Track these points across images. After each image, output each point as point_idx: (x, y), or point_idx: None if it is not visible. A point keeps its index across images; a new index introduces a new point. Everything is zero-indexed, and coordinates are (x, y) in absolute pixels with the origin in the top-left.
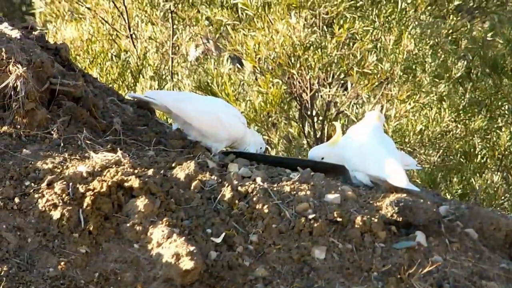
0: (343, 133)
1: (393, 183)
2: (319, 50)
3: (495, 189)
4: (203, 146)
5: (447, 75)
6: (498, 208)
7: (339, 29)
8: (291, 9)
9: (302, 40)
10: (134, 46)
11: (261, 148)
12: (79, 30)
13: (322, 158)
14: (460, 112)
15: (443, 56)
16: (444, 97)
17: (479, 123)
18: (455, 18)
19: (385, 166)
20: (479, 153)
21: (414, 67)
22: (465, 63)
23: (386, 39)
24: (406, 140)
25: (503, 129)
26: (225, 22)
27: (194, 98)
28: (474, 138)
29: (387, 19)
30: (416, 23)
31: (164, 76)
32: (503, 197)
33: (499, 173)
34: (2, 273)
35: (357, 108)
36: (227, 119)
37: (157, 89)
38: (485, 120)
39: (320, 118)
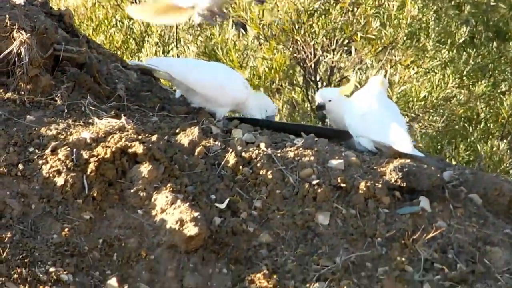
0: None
1: (398, 149)
2: (323, 16)
3: (500, 155)
4: (207, 112)
5: (451, 40)
6: (503, 174)
7: None
8: None
9: (306, 6)
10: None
11: (266, 111)
12: None
13: (330, 100)
14: (464, 77)
15: (446, 21)
16: (448, 63)
17: (483, 88)
18: None
19: (390, 132)
20: (483, 119)
21: (417, 32)
22: (469, 28)
23: (389, 4)
24: (410, 105)
25: (506, 95)
26: None
27: (196, 64)
28: (477, 104)
29: None
30: None
31: (168, 42)
32: (508, 164)
33: (505, 140)
34: (6, 240)
35: (360, 73)
36: (229, 83)
37: (162, 55)
38: (489, 86)
39: (324, 83)
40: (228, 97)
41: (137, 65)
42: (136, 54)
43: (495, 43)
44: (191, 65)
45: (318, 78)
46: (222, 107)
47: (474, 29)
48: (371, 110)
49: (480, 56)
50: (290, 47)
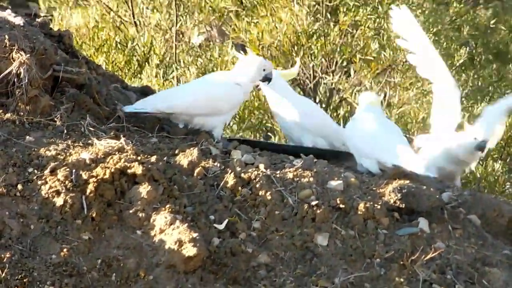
0: (346, 121)
1: (410, 169)
2: (322, 38)
3: (496, 177)
4: (206, 133)
5: (450, 62)
6: (500, 196)
7: (344, 17)
8: None
9: (305, 28)
10: (138, 33)
11: (264, 70)
12: (85, 17)
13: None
14: (463, 98)
15: (445, 43)
16: None
17: (481, 110)
18: (458, 5)
19: (399, 153)
20: None
21: None
22: (468, 49)
23: (388, 26)
24: (409, 127)
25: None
26: (228, 10)
27: (180, 89)
28: None
29: (390, 7)
30: (419, 10)
31: (169, 65)
32: (503, 186)
33: (500, 162)
34: (5, 260)
35: (360, 95)
36: (221, 89)
37: (162, 78)
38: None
39: (323, 105)
40: (226, 102)
41: (129, 111)
42: (138, 76)
43: (494, 65)
44: (174, 92)
45: (317, 100)
46: (227, 114)
47: (473, 51)
48: (376, 132)
49: (480, 78)
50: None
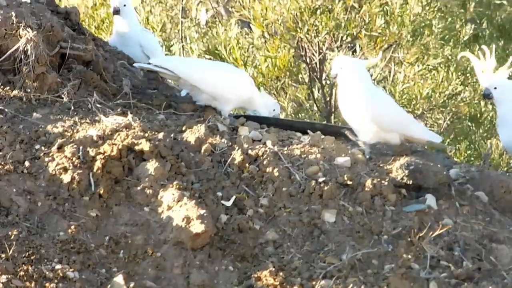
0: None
1: (435, 141)
2: (326, 13)
3: (501, 154)
4: (213, 110)
5: (455, 38)
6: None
7: None
8: None
9: (308, 3)
10: (144, 8)
11: (274, 110)
12: None
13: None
14: (468, 74)
15: (450, 19)
16: (451, 60)
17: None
18: None
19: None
20: (487, 117)
21: (421, 30)
22: (473, 26)
23: (393, 2)
24: (413, 103)
25: None
26: None
27: (199, 62)
28: (481, 102)
29: None
30: None
31: (170, 38)
32: (509, 163)
33: None
34: (12, 237)
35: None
36: (234, 80)
37: (165, 53)
38: None
39: (329, 81)
40: (234, 94)
41: (140, 67)
42: None
43: (501, 42)
44: (195, 63)
45: (323, 77)
46: (228, 104)
47: (478, 27)
48: (397, 107)
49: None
50: (294, 45)
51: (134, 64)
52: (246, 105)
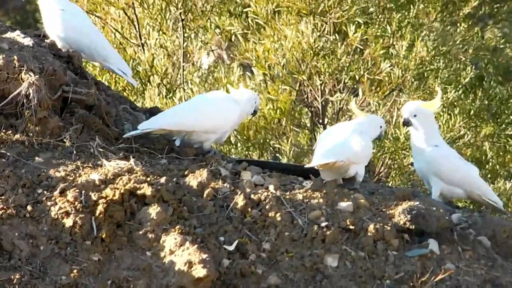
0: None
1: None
2: (329, 55)
3: (508, 196)
4: (216, 154)
5: (459, 80)
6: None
7: (354, 34)
8: (302, 15)
9: (311, 44)
10: (144, 54)
11: (255, 103)
12: None
13: (415, 116)
14: (472, 117)
15: (455, 64)
16: (455, 103)
17: (489, 129)
18: (466, 25)
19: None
20: (490, 160)
21: (425, 74)
22: (476, 70)
23: (398, 45)
24: None
25: None
26: (234, 31)
27: (179, 106)
28: (484, 144)
29: (399, 26)
30: (428, 30)
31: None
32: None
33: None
34: (14, 281)
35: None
36: (217, 104)
37: (166, 98)
38: (496, 127)
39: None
40: (222, 116)
41: (131, 135)
42: (141, 95)
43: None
44: (173, 110)
45: (325, 121)
46: (224, 131)
47: (483, 71)
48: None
49: (489, 98)
50: (296, 89)
51: (124, 136)
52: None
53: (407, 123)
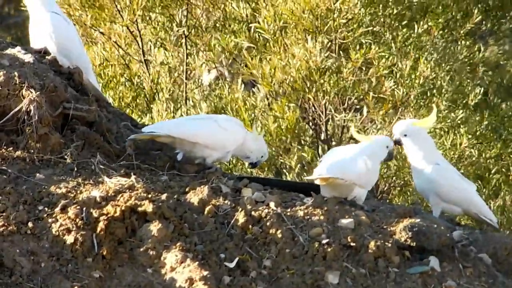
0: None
1: (492, 221)
2: (335, 74)
3: (510, 214)
4: (217, 171)
5: (464, 101)
6: None
7: (355, 55)
8: (308, 33)
9: (318, 64)
10: (148, 70)
11: (262, 157)
12: (91, 54)
13: (405, 135)
14: (478, 137)
15: (459, 82)
16: (461, 124)
17: (495, 150)
18: (467, 42)
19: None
20: (494, 177)
21: (429, 93)
22: (482, 90)
23: (402, 64)
24: None
25: None
26: (241, 45)
27: (188, 118)
28: (489, 162)
29: (403, 44)
30: (432, 48)
31: (177, 100)
32: None
33: None
34: None
35: (371, 133)
36: (224, 124)
37: (172, 114)
38: (502, 146)
39: (334, 143)
40: (227, 137)
41: (135, 138)
42: (145, 113)
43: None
44: (182, 120)
45: (328, 138)
46: (224, 152)
47: (488, 89)
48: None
49: (492, 116)
50: (301, 105)
51: (127, 139)
52: (240, 150)
53: (398, 143)
